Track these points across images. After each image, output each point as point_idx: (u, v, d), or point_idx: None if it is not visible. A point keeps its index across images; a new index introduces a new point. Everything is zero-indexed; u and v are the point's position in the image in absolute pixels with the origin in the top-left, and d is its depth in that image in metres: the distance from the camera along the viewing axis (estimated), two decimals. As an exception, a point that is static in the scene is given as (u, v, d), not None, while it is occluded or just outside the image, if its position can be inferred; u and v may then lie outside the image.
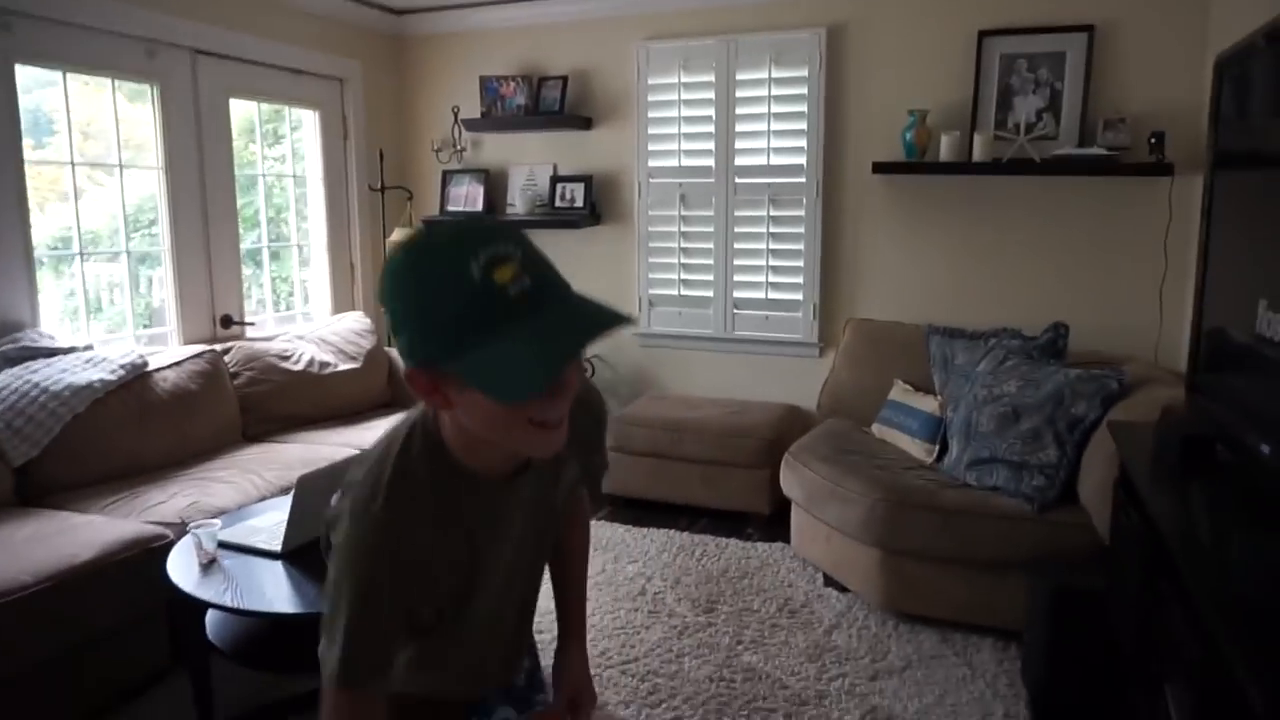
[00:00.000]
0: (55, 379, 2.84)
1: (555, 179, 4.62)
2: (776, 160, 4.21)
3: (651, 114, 4.43)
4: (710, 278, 4.41)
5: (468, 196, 4.78)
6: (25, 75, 3.19)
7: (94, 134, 3.61)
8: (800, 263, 4.23)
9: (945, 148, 3.77)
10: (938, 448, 3.31)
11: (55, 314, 3.48)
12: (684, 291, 4.50)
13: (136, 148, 3.68)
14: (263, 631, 2.21)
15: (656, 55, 4.37)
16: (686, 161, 4.39)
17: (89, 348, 3.16)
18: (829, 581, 3.25)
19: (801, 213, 4.19)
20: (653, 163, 4.46)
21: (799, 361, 4.32)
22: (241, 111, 4.12)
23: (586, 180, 4.55)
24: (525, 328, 0.90)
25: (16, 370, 2.85)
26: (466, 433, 1.04)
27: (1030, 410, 2.95)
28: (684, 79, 4.34)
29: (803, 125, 4.13)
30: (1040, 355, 3.23)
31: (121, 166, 3.60)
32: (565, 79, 4.51)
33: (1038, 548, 2.71)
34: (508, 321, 0.90)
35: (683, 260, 4.48)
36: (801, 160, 4.16)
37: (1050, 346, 3.27)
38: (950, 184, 3.95)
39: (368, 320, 4.33)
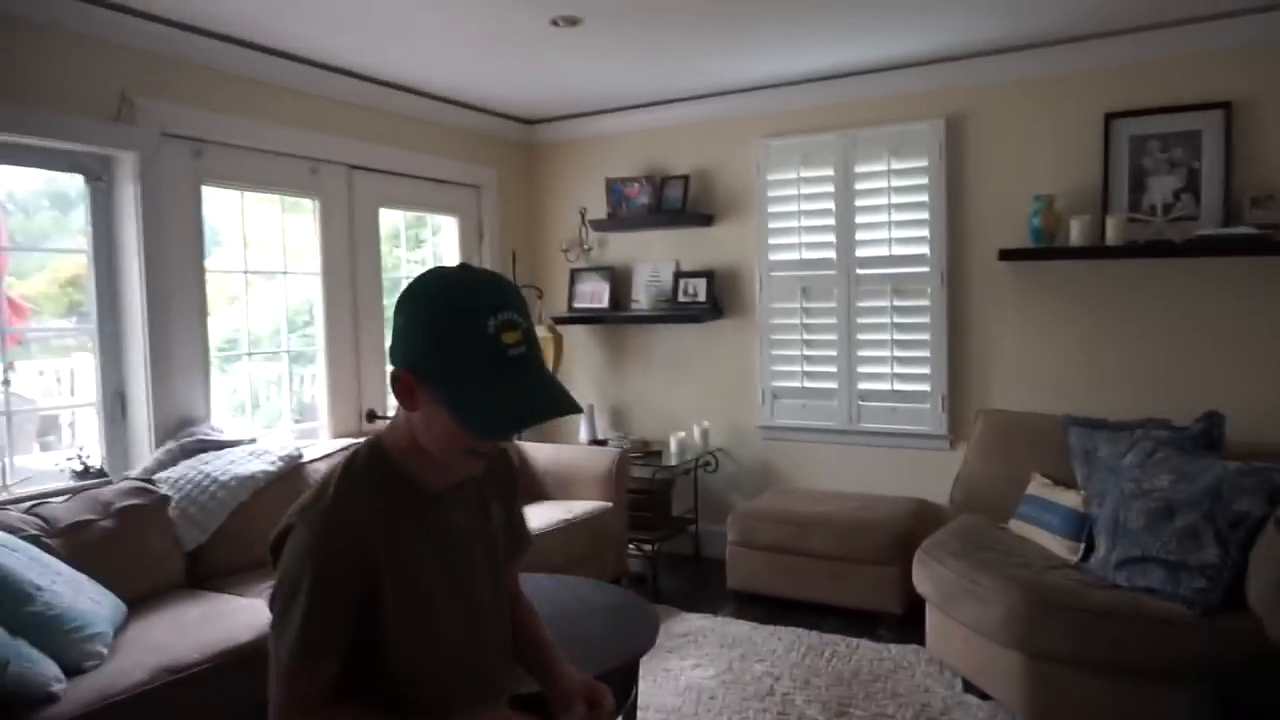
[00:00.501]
0: (224, 470, 3.09)
1: (678, 274, 4.75)
2: (899, 250, 4.21)
3: (771, 209, 4.53)
4: (834, 369, 4.39)
5: (593, 294, 4.97)
6: (206, 194, 3.57)
7: (258, 243, 3.99)
8: (926, 353, 4.17)
9: (1076, 232, 3.68)
10: (1083, 545, 3.13)
11: (221, 409, 3.79)
12: (807, 384, 4.49)
13: (297, 255, 4.04)
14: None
15: (776, 152, 4.49)
16: (807, 254, 4.45)
17: (253, 440, 3.42)
18: (968, 687, 3.08)
19: (926, 302, 4.15)
20: (773, 256, 4.53)
21: (928, 454, 4.21)
22: (388, 219, 4.47)
23: (708, 275, 4.66)
24: (512, 387, 1.13)
25: (191, 461, 3.12)
26: (413, 447, 1.23)
27: (1185, 506, 2.77)
28: (803, 174, 4.43)
29: (924, 215, 4.13)
30: (1193, 447, 3.04)
31: (285, 273, 3.95)
32: (687, 178, 4.69)
33: (1200, 655, 2.50)
34: (499, 376, 1.13)
35: (805, 352, 4.49)
36: (924, 250, 4.14)
37: (1204, 437, 3.07)
38: (1082, 269, 3.84)
39: (499, 413, 4.50)
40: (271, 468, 3.21)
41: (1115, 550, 2.91)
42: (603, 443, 4.68)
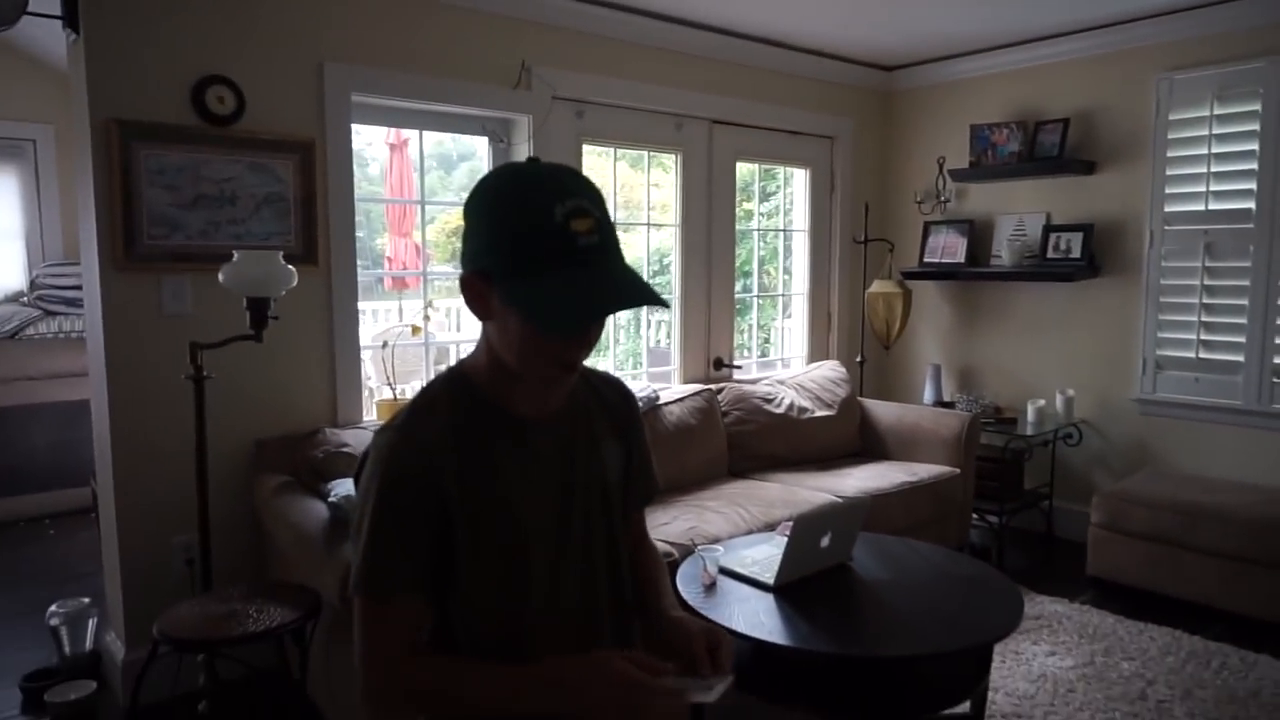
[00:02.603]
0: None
1: (1048, 228, 4.32)
2: (1347, 200, 3.47)
3: (1172, 153, 3.94)
4: (1241, 339, 3.76)
5: (946, 247, 4.69)
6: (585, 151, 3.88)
7: (622, 198, 4.26)
8: (1377, 325, 3.42)
9: None
10: None
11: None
12: (1203, 354, 3.89)
13: (659, 208, 4.26)
14: (744, 657, 2.36)
15: (1181, 86, 3.88)
16: (1215, 205, 3.82)
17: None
18: None
19: (1382, 264, 3.39)
20: (1170, 208, 3.95)
21: (1369, 448, 3.47)
22: (741, 172, 4.55)
23: (1086, 229, 4.18)
24: (582, 275, 0.99)
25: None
26: (493, 367, 1.11)
27: None
28: (1217, 110, 3.79)
29: (1390, 156, 3.35)
30: None
31: (647, 225, 4.20)
32: (1066, 121, 4.21)
33: None
34: (569, 264, 0.99)
35: (1204, 319, 3.88)
36: (1386, 199, 3.37)
37: None
38: None
39: (843, 370, 4.45)
40: (634, 407, 3.45)
41: None
42: (949, 405, 4.45)
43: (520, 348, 1.06)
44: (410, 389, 3.58)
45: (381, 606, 1.06)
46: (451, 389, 1.13)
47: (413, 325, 3.46)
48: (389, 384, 3.36)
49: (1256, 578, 3.26)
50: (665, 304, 1.06)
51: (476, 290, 1.06)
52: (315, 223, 3.00)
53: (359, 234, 3.19)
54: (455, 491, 1.06)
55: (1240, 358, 3.77)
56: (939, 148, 4.75)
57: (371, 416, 3.30)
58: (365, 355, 3.50)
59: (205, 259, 2.71)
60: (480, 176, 1.08)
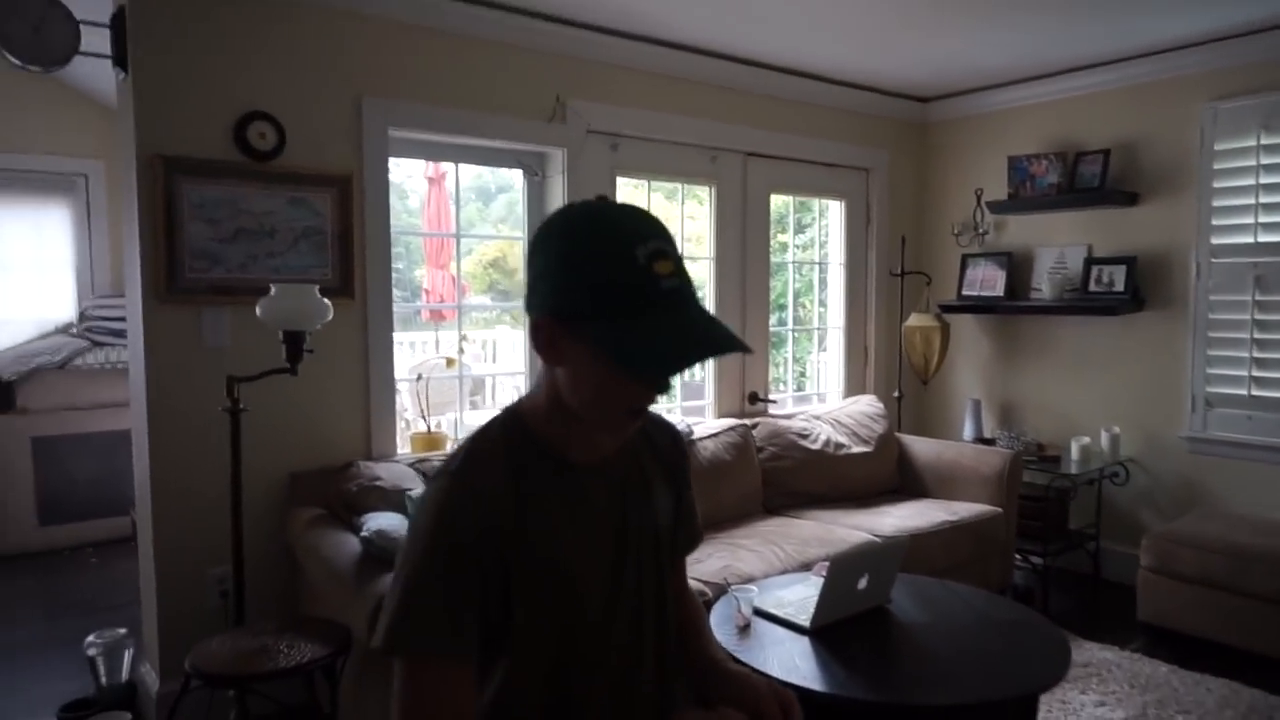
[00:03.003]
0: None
1: (1090, 260, 4.23)
2: (1405, 233, 3.36)
3: (1218, 183, 3.85)
4: (1296, 376, 3.64)
5: (984, 280, 4.62)
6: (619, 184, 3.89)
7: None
8: None
9: None
10: None
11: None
12: (1256, 391, 3.77)
13: (694, 240, 4.25)
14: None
15: (1227, 116, 3.81)
16: (1265, 238, 3.72)
17: (648, 414, 3.68)
18: None
19: None
20: (1218, 240, 3.86)
21: None
22: (775, 203, 4.53)
23: (1128, 261, 4.09)
24: (667, 319, 0.96)
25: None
26: (554, 413, 1.07)
27: None
28: (1264, 140, 3.71)
29: None
30: None
31: (684, 257, 4.18)
32: (1107, 152, 4.15)
33: None
34: (654, 308, 0.96)
35: (1256, 354, 3.77)
36: None
37: None
38: None
39: (880, 405, 4.38)
40: (667, 442, 3.41)
41: None
42: (989, 441, 4.35)
43: (596, 393, 1.02)
44: (445, 421, 3.58)
45: (434, 669, 0.97)
46: (508, 433, 1.09)
47: (447, 358, 3.47)
48: (423, 416, 3.37)
49: (1317, 625, 3.12)
50: (750, 350, 1.03)
51: (549, 334, 1.02)
52: (352, 256, 3.03)
53: (398, 266, 3.22)
54: (513, 543, 1.02)
55: (1295, 395, 3.65)
56: (976, 179, 4.69)
57: (406, 450, 3.31)
58: (402, 387, 3.51)
59: (244, 291, 2.74)
60: (547, 217, 1.06)
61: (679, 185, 4.15)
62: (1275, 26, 3.59)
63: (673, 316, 0.97)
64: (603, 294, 0.96)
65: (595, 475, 1.11)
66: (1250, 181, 3.76)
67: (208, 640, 2.23)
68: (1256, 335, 3.76)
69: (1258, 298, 3.75)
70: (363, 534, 2.42)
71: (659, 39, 3.72)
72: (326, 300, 2.51)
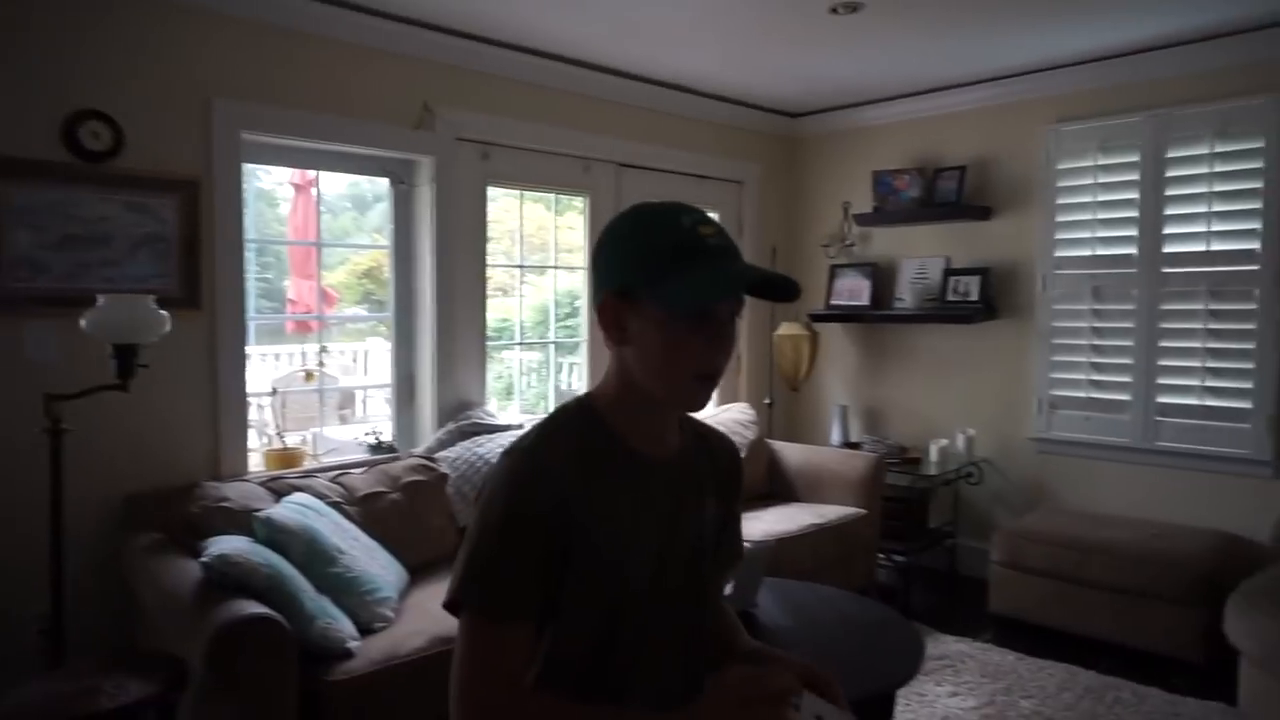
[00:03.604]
0: (495, 453, 3.30)
1: (948, 271, 4.44)
2: (1219, 245, 3.66)
3: (1061, 200, 4.10)
4: (1128, 379, 3.91)
5: (851, 290, 4.78)
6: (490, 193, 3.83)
7: (530, 239, 4.22)
8: (1249, 364, 3.59)
9: None
10: None
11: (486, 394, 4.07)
12: (1094, 394, 4.03)
13: (569, 250, 4.23)
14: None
15: (1069, 137, 4.06)
16: (1102, 251, 3.98)
17: (520, 426, 3.63)
18: (1295, 766, 2.61)
19: (1252, 306, 3.57)
20: (1060, 253, 4.11)
21: (1242, 482, 3.62)
22: (651, 215, 4.56)
23: (983, 272, 4.31)
24: (719, 263, 1.05)
25: (466, 443, 3.37)
26: (623, 403, 1.12)
27: None
28: (1101, 161, 3.97)
29: (1255, 204, 3.55)
30: None
31: (555, 267, 4.16)
32: (963, 169, 4.36)
33: None
34: (703, 258, 1.05)
35: (1094, 359, 4.03)
36: (1253, 245, 3.56)
37: None
38: None
39: (751, 412, 4.46)
40: (537, 453, 3.38)
41: None
42: (856, 446, 4.50)
43: (663, 359, 1.08)
44: (307, 438, 3.44)
45: (497, 627, 1.01)
46: (580, 417, 1.14)
47: (306, 371, 3.33)
48: (279, 432, 3.22)
49: (1144, 611, 3.35)
50: (798, 292, 1.12)
51: (613, 310, 1.09)
52: (199, 265, 2.88)
53: (267, 275, 3.07)
54: (576, 520, 1.05)
55: (1127, 397, 3.92)
56: (844, 193, 4.86)
57: (260, 467, 3.15)
58: (265, 402, 3.36)
59: (75, 303, 2.53)
60: (607, 223, 1.14)
61: (553, 195, 4.12)
62: (1109, 57, 3.85)
63: (721, 262, 1.06)
64: (653, 257, 1.06)
65: (657, 471, 1.15)
66: (1088, 199, 4.02)
67: (21, 688, 2.04)
68: (1094, 342, 4.02)
69: (1095, 307, 4.01)
70: (203, 559, 2.29)
71: (532, 48, 3.69)
72: (164, 312, 2.36)
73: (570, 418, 1.14)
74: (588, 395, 1.18)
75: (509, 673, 1.01)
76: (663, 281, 1.04)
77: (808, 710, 0.97)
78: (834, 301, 4.82)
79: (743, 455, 4.03)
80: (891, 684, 2.24)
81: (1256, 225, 3.55)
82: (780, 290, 1.10)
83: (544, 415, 1.16)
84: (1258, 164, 3.54)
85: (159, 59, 2.80)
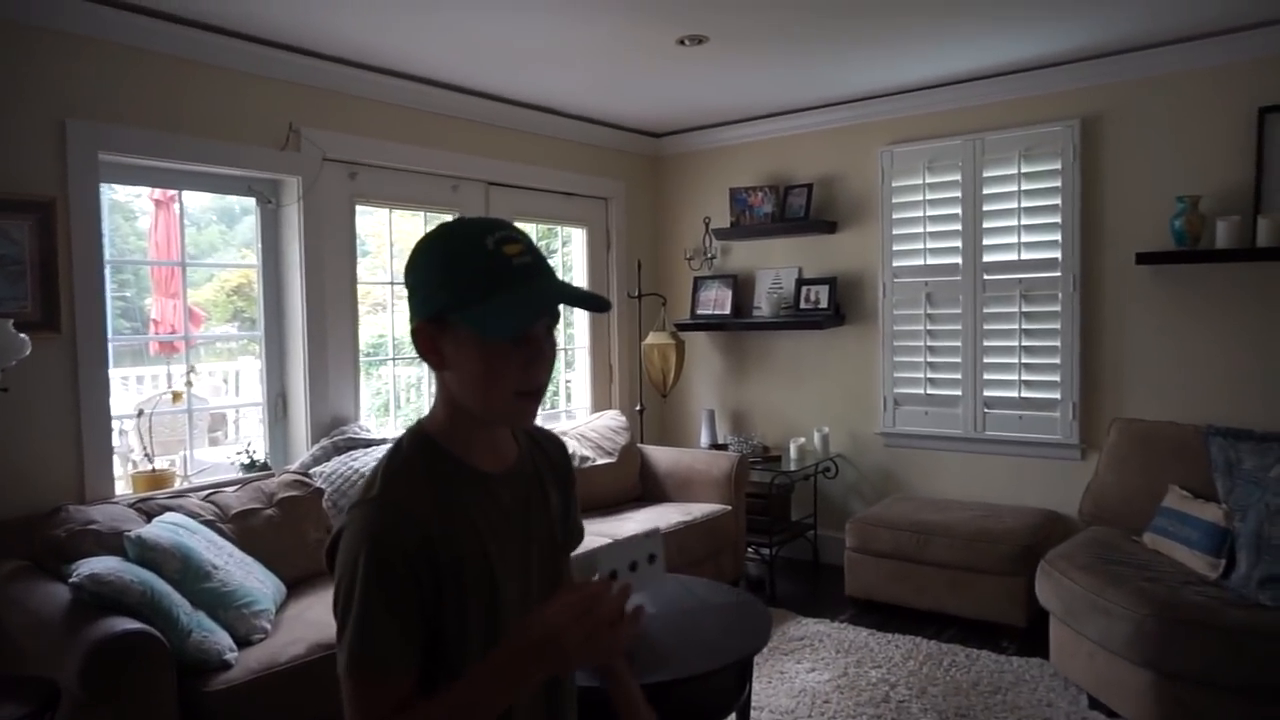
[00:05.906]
0: (369, 467, 3.37)
1: (800, 281, 4.78)
2: (1028, 255, 4.11)
3: (896, 215, 4.50)
4: (958, 376, 4.32)
5: (716, 300, 5.07)
6: (358, 211, 3.90)
7: (404, 255, 4.30)
8: (1056, 360, 4.05)
9: (1222, 234, 3.51)
10: (1224, 562, 2.99)
11: (365, 409, 4.12)
12: (931, 391, 4.43)
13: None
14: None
15: (900, 158, 4.47)
16: (932, 260, 4.40)
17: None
18: (1094, 704, 2.99)
19: (1056, 308, 4.04)
20: (897, 262, 4.50)
21: (1057, 464, 4.08)
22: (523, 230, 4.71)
23: (831, 282, 4.67)
24: (523, 287, 1.06)
25: (342, 458, 3.42)
26: (454, 423, 1.14)
27: (1337, 526, 2.61)
28: (929, 179, 4.39)
29: (1056, 218, 4.02)
30: (1350, 463, 2.85)
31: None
32: (810, 186, 4.72)
33: (1352, 686, 2.37)
34: (511, 281, 1.05)
35: (929, 359, 4.43)
36: (1055, 254, 4.03)
37: (1363, 454, 2.88)
38: (1228, 272, 3.64)
39: (623, 418, 4.67)
40: (413, 464, 3.46)
41: (1259, 567, 2.77)
42: (723, 447, 4.77)
43: (483, 381, 1.09)
44: (177, 460, 3.41)
45: (377, 685, 1.03)
46: (418, 449, 1.14)
47: (174, 392, 3.31)
48: (147, 455, 3.19)
49: (976, 583, 3.72)
50: (608, 305, 1.14)
51: (427, 337, 1.10)
52: (57, 287, 2.85)
53: (126, 294, 3.04)
54: (445, 556, 1.06)
55: (959, 392, 4.33)
56: (704, 208, 5.15)
57: (128, 490, 3.12)
58: (129, 425, 3.31)
59: (-77, 329, 2.50)
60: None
61: (422, 213, 4.22)
62: (935, 86, 4.27)
63: (527, 285, 1.06)
64: (460, 283, 1.06)
65: (502, 482, 1.18)
66: (919, 214, 4.43)
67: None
68: (929, 343, 4.43)
69: (928, 311, 4.42)
70: (72, 580, 2.29)
71: (398, 71, 3.79)
72: (24, 335, 2.35)
73: (409, 452, 1.14)
74: (419, 424, 1.18)
75: (392, 706, 1.03)
76: (473, 307, 1.05)
77: (605, 564, 1.08)
78: (699, 311, 5.10)
79: (615, 460, 4.27)
80: (744, 654, 2.46)
81: (1057, 236, 4.02)
82: (591, 304, 1.13)
83: (382, 456, 1.17)
84: (1056, 183, 4.01)
85: (11, 78, 2.77)
